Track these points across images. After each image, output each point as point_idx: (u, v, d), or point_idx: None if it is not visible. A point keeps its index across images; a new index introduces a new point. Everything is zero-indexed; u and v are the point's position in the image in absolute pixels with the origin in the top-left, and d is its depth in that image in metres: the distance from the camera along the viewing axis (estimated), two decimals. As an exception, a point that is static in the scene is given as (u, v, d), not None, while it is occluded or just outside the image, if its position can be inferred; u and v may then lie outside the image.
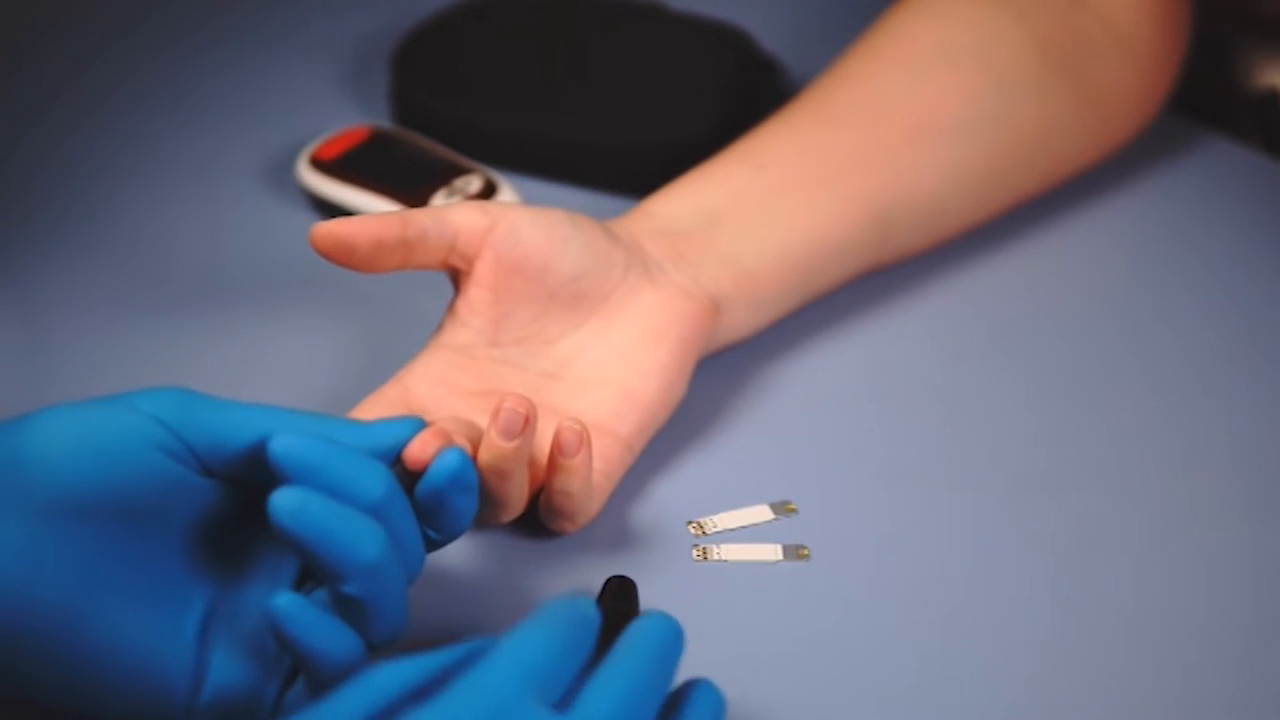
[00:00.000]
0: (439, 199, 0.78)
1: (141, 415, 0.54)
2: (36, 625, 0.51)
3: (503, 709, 0.48)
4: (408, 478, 0.58)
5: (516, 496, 0.62)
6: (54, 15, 0.93)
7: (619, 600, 0.60)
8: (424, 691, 0.49)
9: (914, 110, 0.76)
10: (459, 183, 0.79)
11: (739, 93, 0.84)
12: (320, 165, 0.80)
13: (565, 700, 0.50)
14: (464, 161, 0.81)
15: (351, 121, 0.86)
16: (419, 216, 0.64)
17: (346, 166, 0.80)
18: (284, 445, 0.54)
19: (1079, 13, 0.80)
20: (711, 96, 0.84)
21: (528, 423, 0.60)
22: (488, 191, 0.79)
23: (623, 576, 0.61)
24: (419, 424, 0.58)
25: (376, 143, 0.82)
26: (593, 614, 0.52)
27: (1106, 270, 0.80)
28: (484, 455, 0.60)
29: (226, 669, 0.55)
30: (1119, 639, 0.62)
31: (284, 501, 0.53)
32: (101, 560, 0.53)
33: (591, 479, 0.63)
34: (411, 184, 0.79)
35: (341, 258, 0.64)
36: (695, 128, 0.82)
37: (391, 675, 0.49)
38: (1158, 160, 0.85)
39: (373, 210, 0.78)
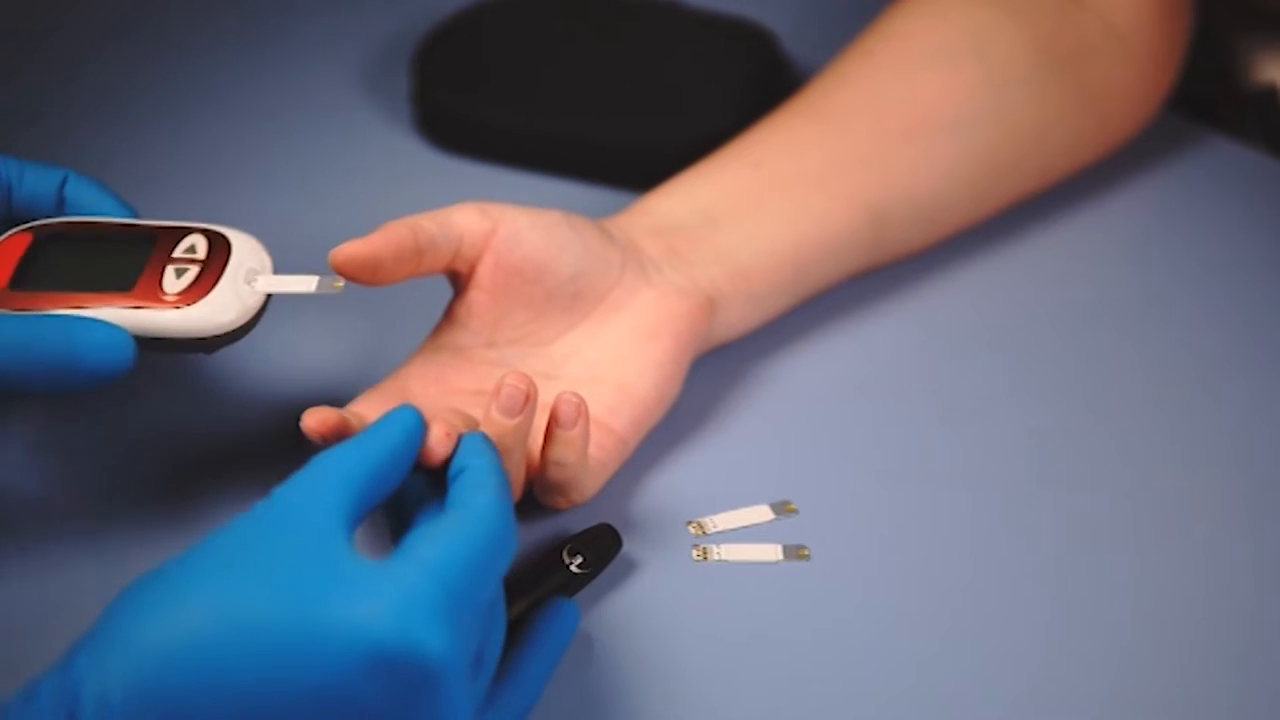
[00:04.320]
0: (170, 278, 0.61)
1: None
2: None
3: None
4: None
5: (515, 478, 0.62)
6: (61, 13, 0.93)
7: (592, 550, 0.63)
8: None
9: (911, 108, 0.76)
10: (181, 248, 0.62)
11: (759, 90, 0.84)
12: None
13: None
14: (160, 224, 0.63)
15: (368, 122, 0.85)
16: (423, 222, 0.64)
17: (27, 283, 0.61)
18: None
19: (1078, 11, 0.80)
20: (731, 94, 0.84)
21: (528, 399, 0.60)
22: (218, 246, 0.62)
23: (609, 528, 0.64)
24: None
25: (44, 244, 0.63)
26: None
27: (1106, 269, 0.80)
28: (485, 433, 0.60)
29: None
30: (1118, 638, 0.62)
31: None
32: None
33: (587, 452, 0.63)
34: (123, 274, 0.61)
35: (366, 276, 0.63)
36: (715, 125, 0.82)
37: (350, 464, 0.54)
38: (1157, 159, 0.85)
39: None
